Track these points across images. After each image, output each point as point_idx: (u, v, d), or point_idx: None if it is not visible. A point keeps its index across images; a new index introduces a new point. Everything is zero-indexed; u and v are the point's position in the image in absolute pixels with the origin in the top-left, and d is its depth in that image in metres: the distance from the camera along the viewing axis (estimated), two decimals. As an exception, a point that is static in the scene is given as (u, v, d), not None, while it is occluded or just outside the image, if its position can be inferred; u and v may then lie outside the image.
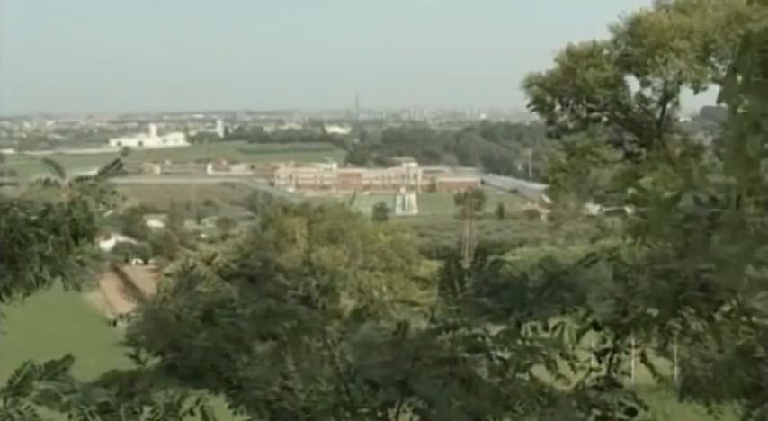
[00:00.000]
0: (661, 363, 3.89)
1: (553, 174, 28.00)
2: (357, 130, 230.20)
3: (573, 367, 3.61)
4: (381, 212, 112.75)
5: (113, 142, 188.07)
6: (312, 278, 33.47)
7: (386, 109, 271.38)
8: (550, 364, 3.56)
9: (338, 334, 3.99)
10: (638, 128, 27.07)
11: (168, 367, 4.04)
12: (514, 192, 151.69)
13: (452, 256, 3.93)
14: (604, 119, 27.82)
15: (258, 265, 32.86)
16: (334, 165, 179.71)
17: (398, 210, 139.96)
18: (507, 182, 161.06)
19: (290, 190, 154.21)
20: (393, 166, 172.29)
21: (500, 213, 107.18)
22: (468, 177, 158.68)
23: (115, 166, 4.60)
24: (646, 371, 3.88)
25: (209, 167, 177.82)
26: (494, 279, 3.85)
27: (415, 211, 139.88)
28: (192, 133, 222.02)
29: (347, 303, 29.75)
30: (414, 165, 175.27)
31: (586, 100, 26.87)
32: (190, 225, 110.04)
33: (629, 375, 3.88)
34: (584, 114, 27.41)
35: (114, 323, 4.35)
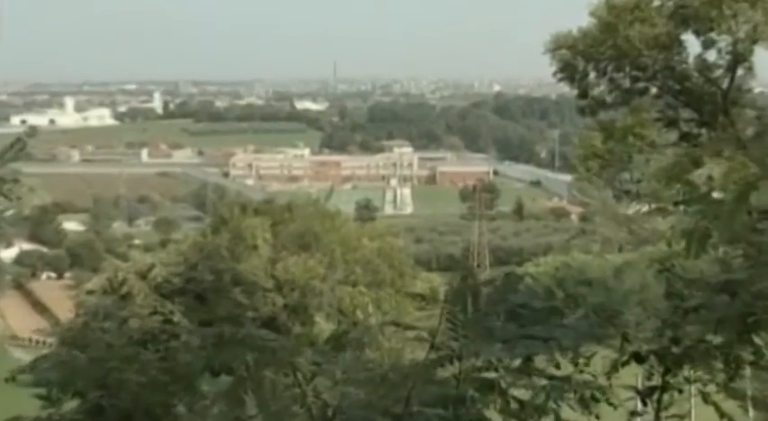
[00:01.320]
0: (731, 405, 3.91)
1: (585, 162, 27.90)
2: (335, 106, 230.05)
3: (614, 406, 3.63)
4: (367, 211, 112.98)
5: (16, 120, 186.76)
6: (278, 295, 33.48)
7: (372, 79, 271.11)
8: (587, 403, 3.57)
9: (312, 366, 4.00)
10: (698, 101, 26.99)
11: (90, 411, 4.02)
12: (536, 184, 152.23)
13: (466, 268, 3.96)
14: (654, 90, 27.76)
15: (208, 279, 32.76)
16: (307, 151, 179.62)
17: (388, 209, 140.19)
18: (527, 172, 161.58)
19: (250, 182, 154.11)
20: (381, 152, 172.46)
21: (518, 212, 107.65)
22: (478, 166, 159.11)
23: (16, 148, 4.48)
24: (710, 413, 3.89)
25: (145, 153, 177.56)
26: (511, 297, 3.86)
27: (409, 210, 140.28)
28: (122, 109, 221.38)
29: (323, 327, 29.74)
30: (408, 150, 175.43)
31: (630, 66, 26.81)
32: (119, 228, 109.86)
33: (689, 419, 3.89)
34: (626, 84, 27.38)
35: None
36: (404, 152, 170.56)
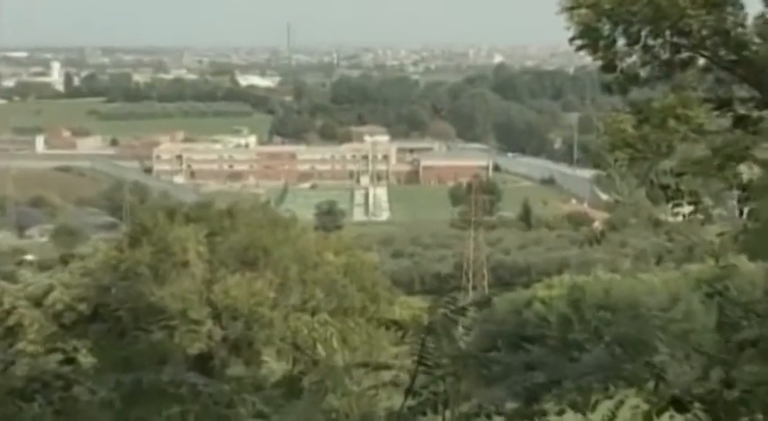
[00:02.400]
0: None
1: (612, 154, 27.95)
2: (290, 82, 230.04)
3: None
4: (330, 217, 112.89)
5: None
6: (215, 326, 33.41)
7: (337, 47, 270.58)
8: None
9: (257, 419, 3.99)
10: (758, 76, 27.04)
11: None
12: (549, 183, 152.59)
13: (447, 290, 3.95)
14: (701, 62, 27.92)
15: (124, 307, 32.69)
16: (252, 140, 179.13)
17: (358, 214, 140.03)
18: (537, 166, 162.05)
19: (179, 180, 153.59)
20: (349, 142, 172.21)
21: (526, 218, 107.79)
22: (473, 159, 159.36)
23: None
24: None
25: (40, 142, 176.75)
26: (516, 327, 3.88)
27: (385, 215, 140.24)
28: (8, 83, 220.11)
29: (274, 367, 29.70)
30: (383, 139, 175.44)
31: (671, 29, 26.85)
32: (5, 239, 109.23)
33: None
34: (665, 54, 27.45)
35: None
36: (378, 141, 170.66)
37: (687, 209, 5.02)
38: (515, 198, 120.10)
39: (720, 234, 4.70)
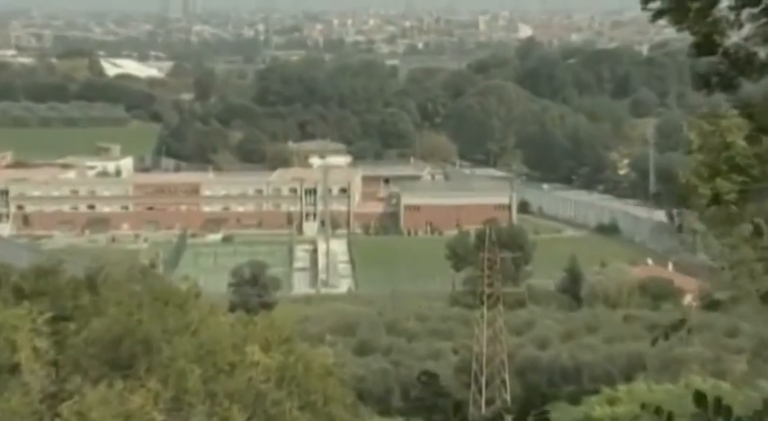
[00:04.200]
0: None
1: (711, 182, 28.12)
2: (188, 71, 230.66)
3: None
4: (255, 289, 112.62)
5: None
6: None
7: (265, 14, 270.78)
8: None
9: None
10: None
11: None
12: (609, 231, 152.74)
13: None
14: None
15: None
16: (128, 164, 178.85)
17: (301, 284, 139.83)
18: (591, 205, 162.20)
19: (3, 230, 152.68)
20: (286, 166, 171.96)
21: (573, 289, 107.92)
22: (486, 194, 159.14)
23: None
24: None
25: None
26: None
27: (345, 285, 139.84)
28: None
29: None
30: (341, 160, 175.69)
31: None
32: None
33: None
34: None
35: None
36: (332, 165, 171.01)
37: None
38: (555, 256, 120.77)
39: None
